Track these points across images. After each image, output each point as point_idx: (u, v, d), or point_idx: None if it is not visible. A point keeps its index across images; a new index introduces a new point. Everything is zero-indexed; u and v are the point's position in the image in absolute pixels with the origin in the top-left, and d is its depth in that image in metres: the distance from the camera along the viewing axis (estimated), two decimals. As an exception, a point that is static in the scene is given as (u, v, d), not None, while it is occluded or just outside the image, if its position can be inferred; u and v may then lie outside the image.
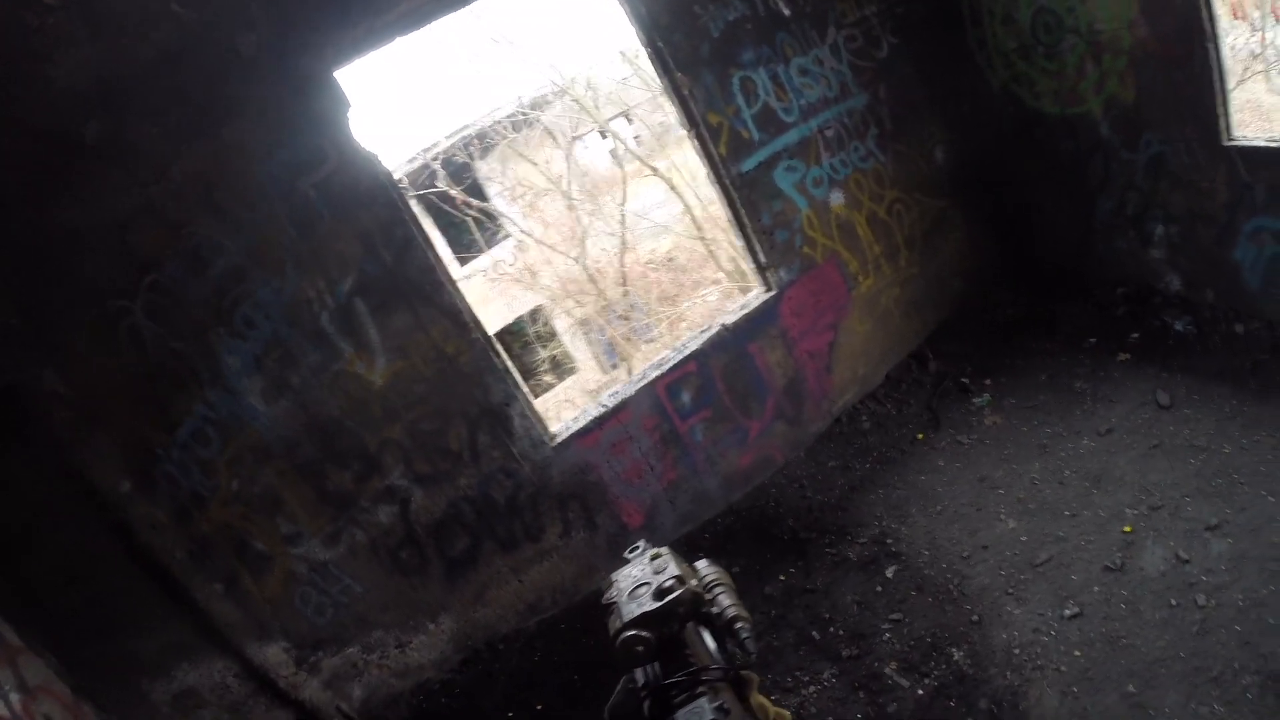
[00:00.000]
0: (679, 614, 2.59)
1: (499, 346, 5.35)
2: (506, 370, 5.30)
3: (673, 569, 2.68)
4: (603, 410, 5.53)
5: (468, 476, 5.28)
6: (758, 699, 2.65)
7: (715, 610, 2.61)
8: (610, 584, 2.82)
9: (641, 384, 5.59)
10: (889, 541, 5.01)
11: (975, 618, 4.26)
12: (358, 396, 5.01)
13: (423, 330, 5.02)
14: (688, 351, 5.67)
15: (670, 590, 2.59)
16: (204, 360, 4.76)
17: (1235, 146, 4.62)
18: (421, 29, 5.08)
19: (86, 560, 4.68)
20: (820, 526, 5.38)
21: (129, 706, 4.69)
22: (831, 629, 4.67)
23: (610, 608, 2.74)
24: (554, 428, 5.55)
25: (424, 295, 4.99)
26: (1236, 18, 10.28)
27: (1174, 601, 3.78)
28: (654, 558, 2.82)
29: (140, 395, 4.69)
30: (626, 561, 2.94)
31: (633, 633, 2.55)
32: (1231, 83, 9.57)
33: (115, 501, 4.72)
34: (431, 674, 5.47)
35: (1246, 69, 10.53)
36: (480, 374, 5.17)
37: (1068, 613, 4.01)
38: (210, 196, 4.63)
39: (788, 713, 2.82)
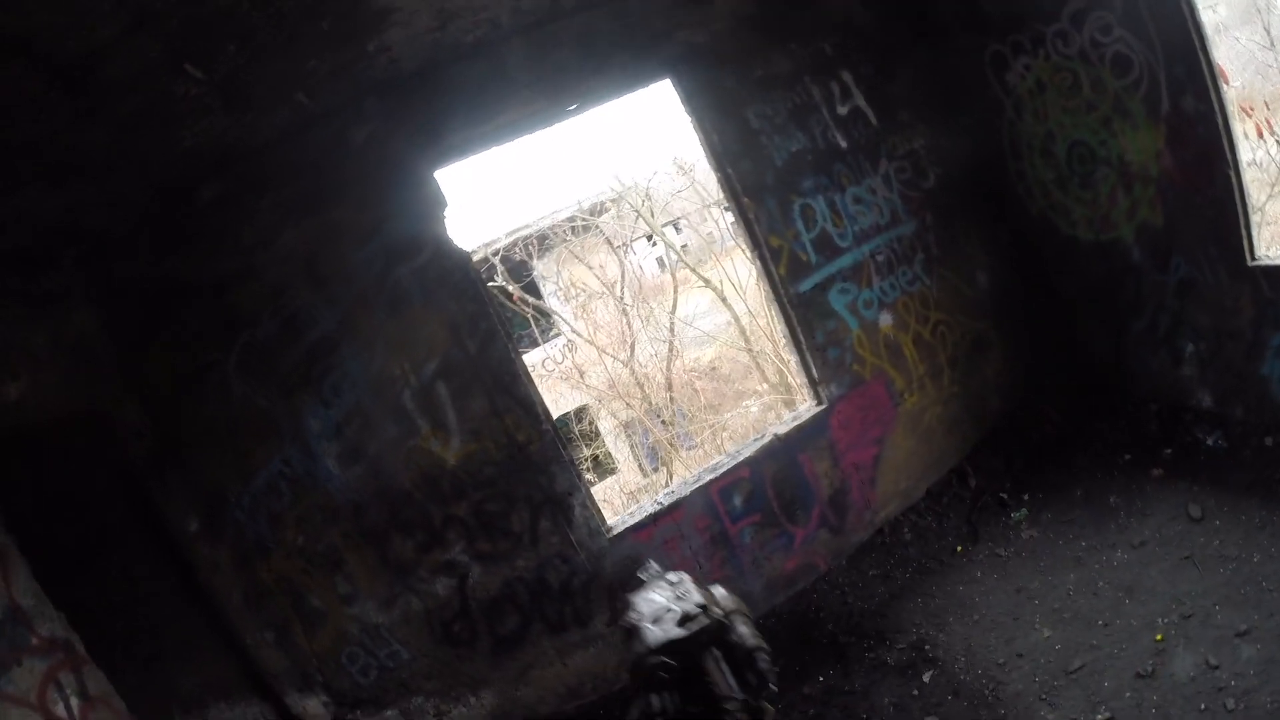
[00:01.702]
0: (702, 642, 2.70)
1: (564, 440, 5.66)
2: (571, 462, 5.60)
3: (695, 596, 2.80)
4: (658, 507, 5.78)
5: (526, 559, 5.52)
6: None
7: (735, 639, 2.75)
8: (628, 605, 2.90)
9: (696, 485, 5.84)
10: (927, 647, 5.13)
11: (1010, 723, 4.34)
12: (429, 472, 5.33)
13: (497, 417, 5.37)
14: (741, 458, 5.93)
15: (695, 617, 2.71)
16: (287, 419, 5.15)
17: (1259, 266, 4.83)
18: (514, 140, 5.62)
19: (143, 589, 4.88)
20: (860, 631, 5.52)
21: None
22: (868, 730, 4.78)
23: (631, 631, 2.81)
24: (610, 520, 5.80)
25: (502, 385, 5.36)
26: (1261, 136, 10.59)
27: (1204, 705, 3.84)
28: (675, 583, 2.92)
29: (220, 443, 5.06)
30: (641, 582, 3.02)
31: (659, 659, 2.66)
32: (1263, 196, 9.81)
33: (181, 538, 5.00)
34: (466, 746, 5.57)
35: (1275, 184, 10.76)
36: (548, 463, 5.48)
37: (1100, 718, 4.07)
38: (311, 269, 5.11)
39: None
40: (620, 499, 14.93)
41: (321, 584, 5.29)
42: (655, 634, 2.72)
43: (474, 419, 5.36)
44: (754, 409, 14.56)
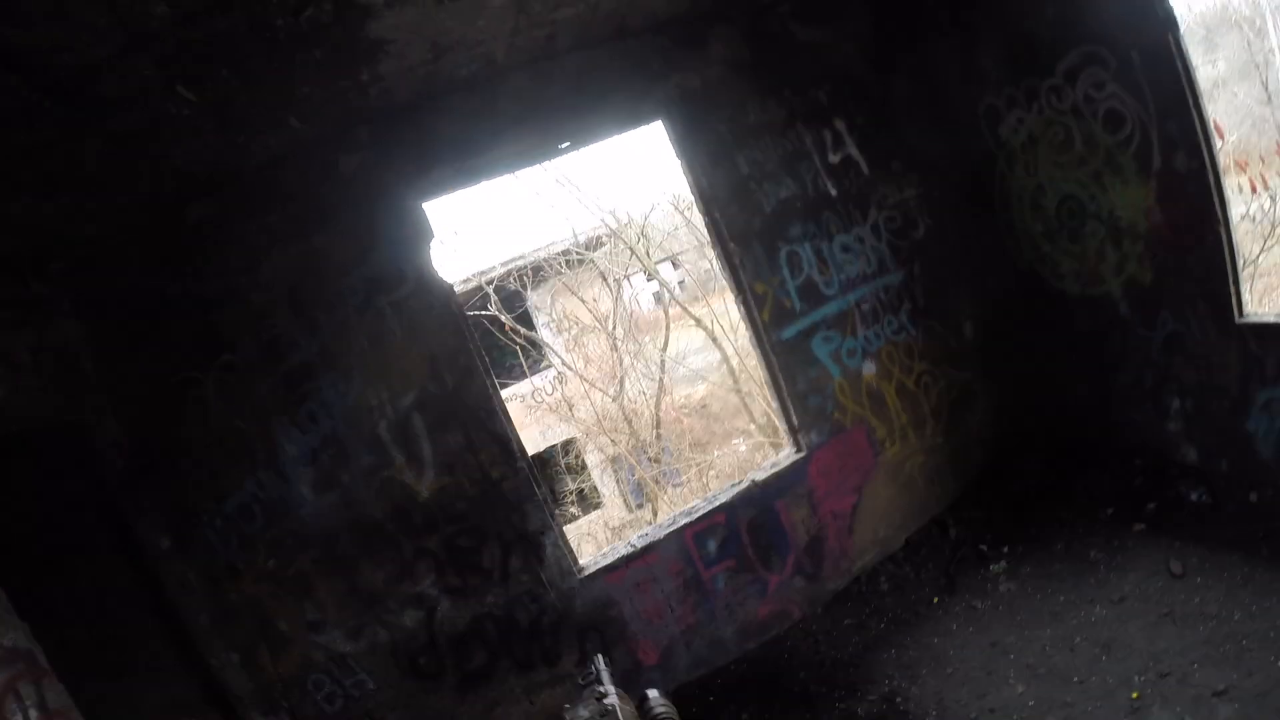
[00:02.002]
0: None
1: (539, 479, 5.64)
2: (545, 500, 5.58)
3: (618, 714, 3.10)
4: (631, 550, 5.75)
5: (495, 595, 5.49)
6: None
7: None
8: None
9: (671, 529, 5.82)
10: (898, 700, 5.06)
11: (980, 782, 4.26)
12: (402, 504, 5.32)
13: (472, 452, 5.36)
14: (718, 503, 5.91)
15: None
16: (263, 443, 5.15)
17: (1247, 324, 4.82)
18: (504, 175, 5.70)
19: (113, 603, 4.87)
20: (831, 681, 5.45)
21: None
22: (836, 784, 4.72)
23: None
24: (583, 560, 5.77)
25: (478, 420, 5.36)
26: (1255, 191, 10.66)
27: None
28: (600, 698, 3.24)
29: (196, 462, 5.06)
30: (582, 697, 3.37)
31: None
32: (1255, 249, 9.79)
33: (152, 554, 4.98)
34: (429, 780, 5.51)
35: (1268, 237, 10.83)
36: (521, 501, 5.46)
37: None
38: (294, 295, 5.13)
39: None
40: (604, 533, 14.86)
41: (290, 609, 5.26)
42: None
43: (449, 453, 5.34)
44: (743, 448, 14.55)
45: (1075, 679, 4.60)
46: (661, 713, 3.18)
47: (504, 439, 5.42)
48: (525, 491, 5.47)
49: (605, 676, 3.56)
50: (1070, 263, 5.87)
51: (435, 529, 5.37)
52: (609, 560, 5.71)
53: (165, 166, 4.46)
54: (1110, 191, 5.28)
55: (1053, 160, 5.58)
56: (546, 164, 5.81)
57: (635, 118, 5.71)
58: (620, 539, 14.39)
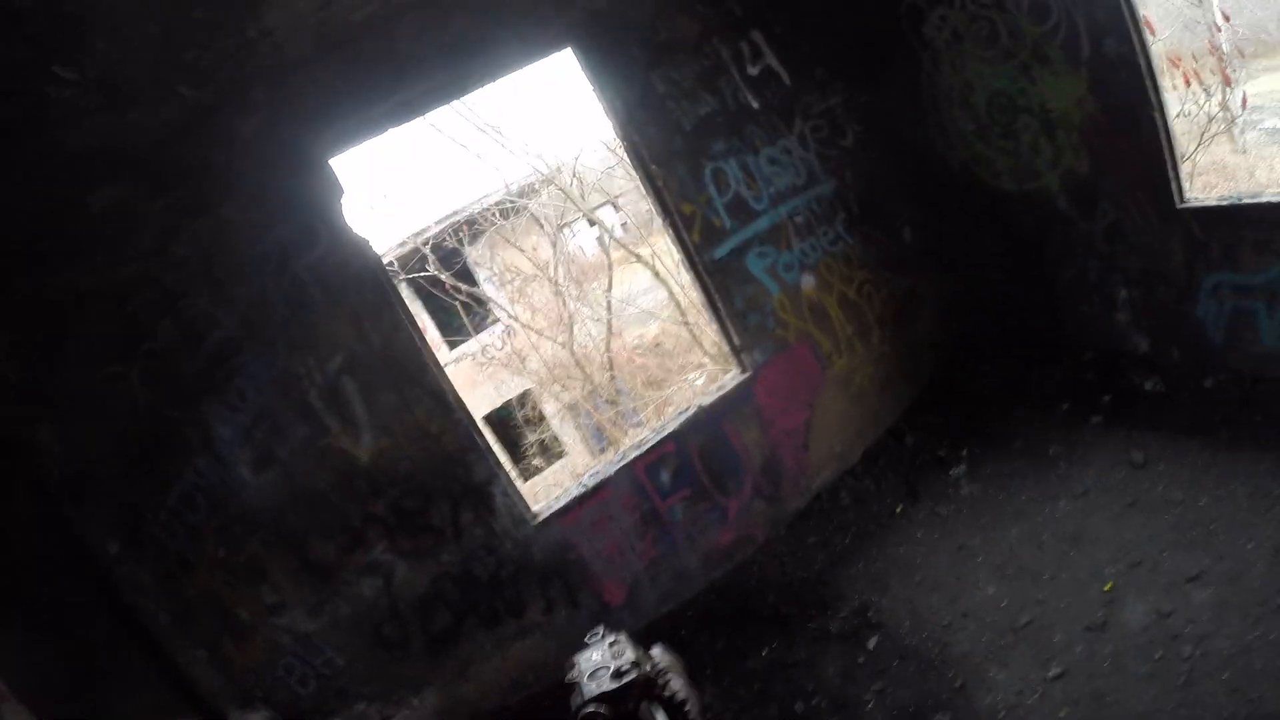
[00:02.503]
0: (634, 694, 3.01)
1: (481, 426, 5.48)
2: (488, 449, 5.42)
3: (630, 654, 3.12)
4: (583, 489, 5.63)
5: (450, 553, 5.35)
6: None
7: (668, 693, 3.05)
8: (572, 665, 3.23)
9: (621, 464, 5.70)
10: (870, 613, 5.05)
11: (959, 684, 4.26)
12: (343, 471, 5.14)
13: (408, 410, 5.18)
14: (666, 432, 5.79)
15: (626, 673, 3.03)
16: (196, 428, 4.94)
17: (1189, 208, 4.77)
18: (413, 119, 5.39)
19: (72, 615, 4.77)
20: (801, 601, 5.43)
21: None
22: (815, 700, 4.70)
23: (572, 687, 3.15)
24: (535, 506, 5.64)
25: (409, 376, 5.16)
26: (1189, 85, 10.71)
27: (1158, 655, 3.75)
28: (612, 643, 3.24)
29: (132, 459, 4.86)
30: (586, 645, 3.32)
31: (592, 709, 2.98)
32: (1192, 146, 9.87)
33: (103, 560, 4.85)
34: (414, 748, 5.44)
35: (1204, 132, 10.90)
36: (463, 453, 5.30)
37: (1051, 673, 3.99)
38: (208, 271, 4.88)
39: None
40: (572, 482, 14.78)
41: (247, 596, 5.11)
42: (589, 688, 3.06)
43: (384, 413, 5.15)
44: (699, 382, 14.48)
45: (1046, 575, 4.61)
46: (664, 664, 3.27)
47: (438, 392, 5.23)
48: (466, 443, 5.31)
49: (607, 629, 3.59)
50: (1005, 160, 5.74)
51: (380, 493, 5.20)
52: (562, 503, 5.59)
53: (59, 153, 4.21)
54: (1040, 84, 5.14)
55: (979, 56, 5.41)
56: (456, 103, 5.48)
57: (543, 46, 5.43)
58: (587, 485, 14.43)
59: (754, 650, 5.25)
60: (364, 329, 5.08)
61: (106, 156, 4.49)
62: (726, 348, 6.15)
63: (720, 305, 5.82)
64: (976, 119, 5.74)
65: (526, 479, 16.74)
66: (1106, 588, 4.28)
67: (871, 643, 4.86)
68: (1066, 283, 5.85)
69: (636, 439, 6.13)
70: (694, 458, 5.80)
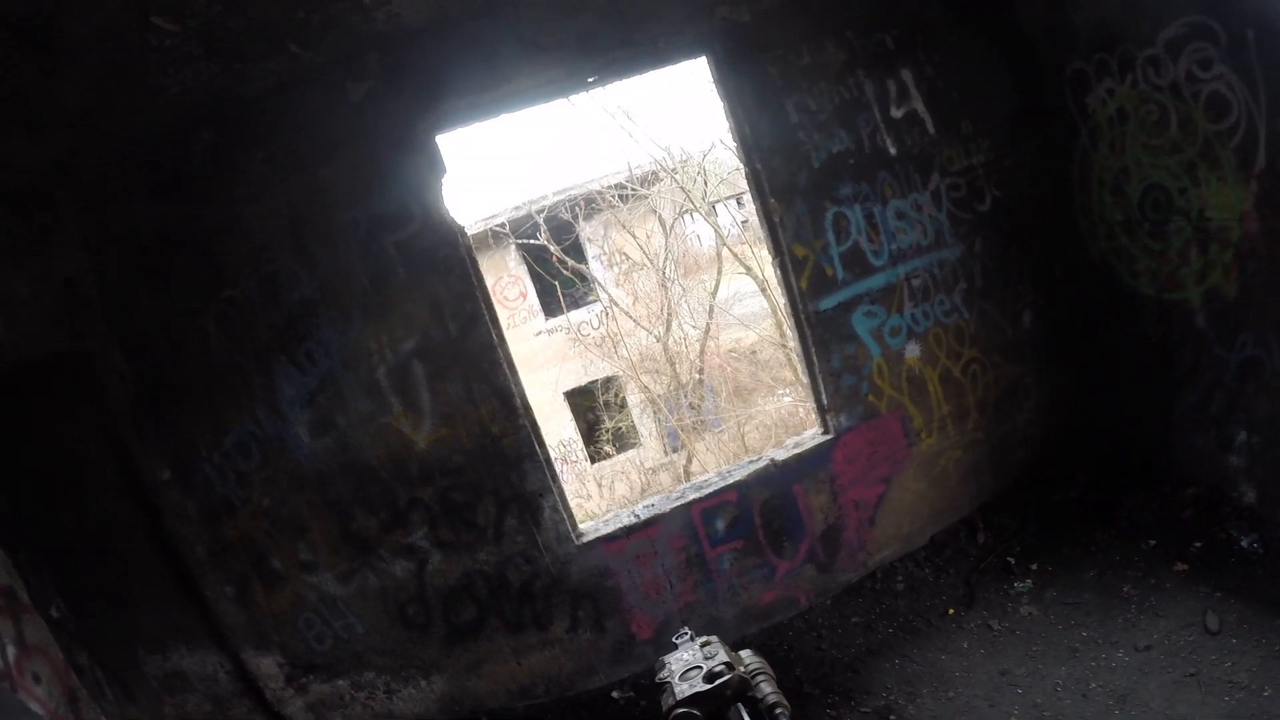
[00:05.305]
0: (726, 696, 2.94)
1: (543, 438, 5.37)
2: (547, 461, 5.32)
3: (722, 655, 3.05)
4: (633, 520, 5.48)
5: (488, 553, 5.30)
6: None
7: (758, 696, 2.95)
8: (662, 665, 3.19)
9: (678, 503, 5.50)
10: (892, 717, 4.75)
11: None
12: (397, 452, 5.12)
13: (472, 405, 5.10)
14: (731, 480, 5.56)
15: (720, 674, 2.95)
16: (261, 380, 5.00)
17: None
18: (525, 109, 5.28)
19: (114, 530, 5.01)
20: (827, 684, 5.16)
21: (123, 670, 4.96)
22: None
23: (662, 686, 3.10)
24: (582, 526, 5.54)
25: (480, 372, 5.08)
26: None
27: None
28: (704, 644, 3.18)
29: (196, 396, 4.96)
30: (675, 646, 3.29)
31: (684, 710, 2.90)
32: None
33: (152, 485, 5.00)
34: (412, 726, 5.49)
35: None
36: (520, 460, 5.21)
37: None
38: (296, 230, 4.89)
39: None
40: (638, 474, 14.71)
41: (284, 548, 5.18)
42: (682, 688, 3.01)
43: (448, 404, 5.09)
44: (788, 399, 14.13)
45: (1082, 730, 4.21)
46: (755, 666, 3.14)
47: (506, 393, 5.12)
48: (525, 450, 5.20)
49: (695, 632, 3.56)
50: (1148, 260, 5.26)
51: (430, 481, 5.17)
52: (609, 529, 5.45)
53: (160, 97, 4.29)
54: (1203, 187, 4.64)
55: (1142, 142, 4.94)
56: (574, 99, 5.30)
57: (673, 52, 5.20)
58: (653, 480, 14.32)
59: (766, 723, 5.02)
60: (443, 316, 5.01)
61: (209, 102, 4.53)
62: (812, 405, 5.84)
63: (815, 360, 5.51)
64: (1127, 210, 5.27)
65: (594, 463, 16.74)
66: (1140, 760, 3.86)
67: (884, 751, 4.57)
68: (1186, 408, 5.35)
69: (699, 479, 5.90)
70: (754, 512, 5.56)
